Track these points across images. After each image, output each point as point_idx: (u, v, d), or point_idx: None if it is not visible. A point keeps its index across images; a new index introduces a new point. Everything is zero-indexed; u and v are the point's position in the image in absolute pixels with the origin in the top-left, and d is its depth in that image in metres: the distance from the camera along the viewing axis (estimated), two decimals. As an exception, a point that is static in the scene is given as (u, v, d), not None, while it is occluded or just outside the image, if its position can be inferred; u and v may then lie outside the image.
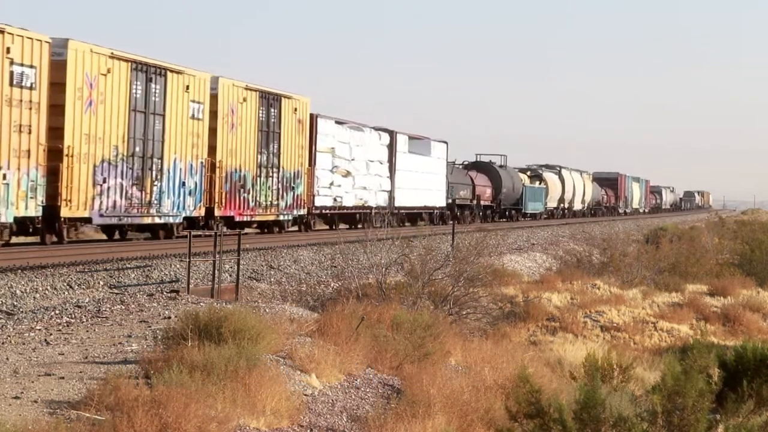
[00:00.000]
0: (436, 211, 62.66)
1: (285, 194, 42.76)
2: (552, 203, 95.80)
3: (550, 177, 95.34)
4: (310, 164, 45.13)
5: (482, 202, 74.11)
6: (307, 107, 44.43)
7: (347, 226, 50.73)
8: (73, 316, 18.33)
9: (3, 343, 15.52)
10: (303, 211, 44.68)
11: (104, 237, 35.28)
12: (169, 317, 18.15)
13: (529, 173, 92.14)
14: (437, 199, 62.84)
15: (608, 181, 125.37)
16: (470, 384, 15.82)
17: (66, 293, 21.48)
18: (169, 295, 21.42)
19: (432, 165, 61.97)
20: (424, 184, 60.12)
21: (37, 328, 16.98)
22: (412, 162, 58.49)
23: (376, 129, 54.13)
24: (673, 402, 11.58)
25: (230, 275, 25.39)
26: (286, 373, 14.54)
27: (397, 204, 56.01)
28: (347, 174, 49.70)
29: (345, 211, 50.14)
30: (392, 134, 55.64)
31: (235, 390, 12.58)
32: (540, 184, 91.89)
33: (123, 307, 19.41)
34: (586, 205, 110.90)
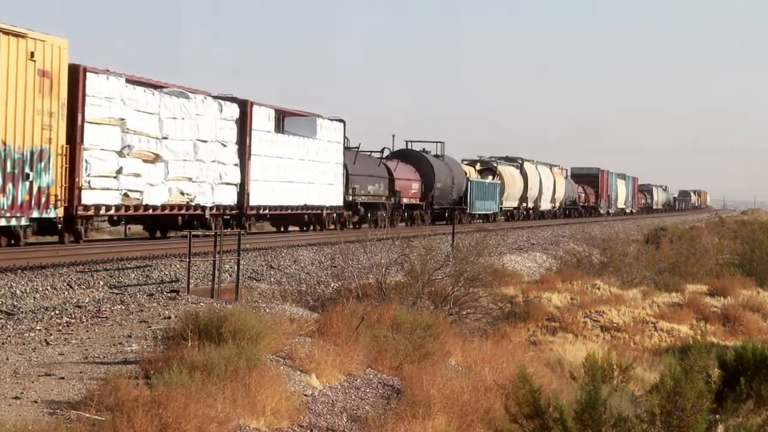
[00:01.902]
0: (325, 213, 47.14)
1: (10, 186, 27.32)
2: (511, 202, 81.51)
3: (507, 171, 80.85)
4: (70, 140, 29.93)
5: (404, 200, 58.11)
6: (62, 54, 28.97)
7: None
8: (73, 316, 18.34)
9: (3, 343, 15.52)
10: (54, 212, 29.10)
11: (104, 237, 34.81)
12: (169, 317, 18.16)
13: (478, 166, 77.49)
14: (327, 195, 47.35)
15: (587, 178, 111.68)
16: (470, 384, 15.83)
17: (66, 293, 21.48)
18: (169, 295, 21.43)
19: (318, 150, 46.28)
20: (303, 176, 44.78)
21: (37, 328, 16.99)
22: (282, 145, 43.34)
23: (217, 97, 38.98)
24: (672, 402, 11.58)
25: (230, 275, 25.40)
26: (286, 374, 14.55)
27: (253, 202, 40.81)
28: (155, 158, 34.30)
29: (150, 212, 34.65)
30: (245, 105, 40.28)
31: (235, 390, 12.58)
32: (493, 178, 76.96)
33: (123, 307, 19.42)
34: (557, 204, 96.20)
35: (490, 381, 16.34)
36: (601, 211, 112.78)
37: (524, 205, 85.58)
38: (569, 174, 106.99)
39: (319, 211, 46.67)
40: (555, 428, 11.61)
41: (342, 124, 49.28)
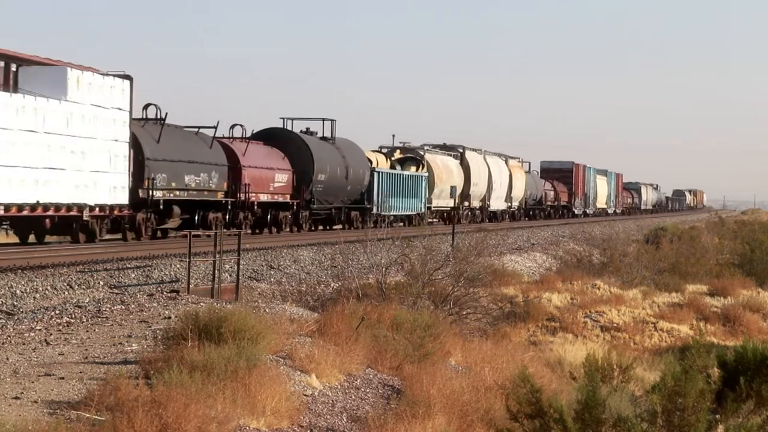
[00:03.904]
0: (88, 215, 31.54)
1: None
2: (445, 200, 63.30)
3: (439, 161, 64.12)
4: None
5: (260, 197, 42.17)
6: None
7: None
8: (73, 316, 18.35)
9: (3, 343, 15.53)
10: None
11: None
12: (169, 317, 18.17)
13: (398, 154, 61.10)
14: (95, 189, 31.84)
15: (559, 173, 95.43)
16: (470, 384, 15.83)
17: (66, 293, 21.49)
18: (169, 295, 21.45)
19: (71, 119, 30.77)
20: (38, 158, 29.50)
21: (37, 328, 17.00)
22: None
23: None
24: (673, 402, 11.59)
25: (230, 275, 25.41)
26: (286, 374, 14.56)
27: None
28: None
29: None
30: None
31: (235, 390, 12.59)
32: (418, 169, 60.12)
33: (123, 307, 19.43)
34: (514, 203, 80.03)
35: (490, 381, 16.35)
36: (576, 212, 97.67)
37: (467, 204, 68.79)
38: (538, 168, 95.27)
39: (76, 213, 31.32)
40: (555, 428, 11.62)
41: (128, 82, 33.56)
